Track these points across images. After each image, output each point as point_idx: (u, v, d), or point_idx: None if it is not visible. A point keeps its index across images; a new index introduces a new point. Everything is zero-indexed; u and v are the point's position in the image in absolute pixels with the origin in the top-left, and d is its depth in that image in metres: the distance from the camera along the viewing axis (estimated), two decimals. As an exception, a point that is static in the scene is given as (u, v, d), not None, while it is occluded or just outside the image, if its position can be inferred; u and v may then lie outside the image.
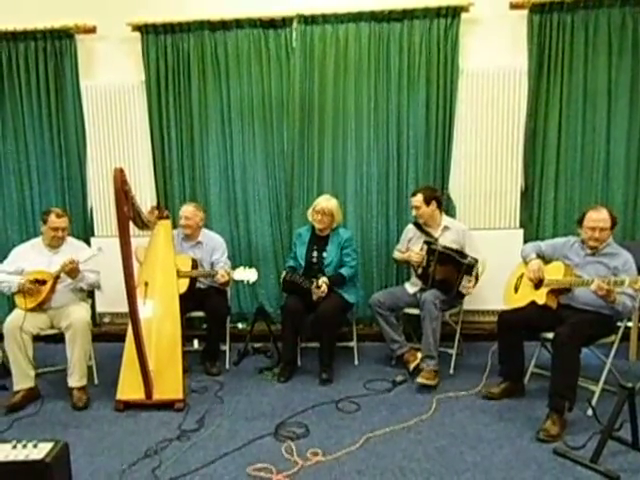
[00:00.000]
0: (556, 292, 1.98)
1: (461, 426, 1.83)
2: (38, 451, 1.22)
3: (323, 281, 2.23)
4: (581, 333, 1.81)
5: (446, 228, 2.34)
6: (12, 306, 2.23)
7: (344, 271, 2.33)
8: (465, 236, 2.31)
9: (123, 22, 2.68)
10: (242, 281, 2.30)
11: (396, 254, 2.49)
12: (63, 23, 2.70)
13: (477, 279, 2.21)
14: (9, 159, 2.87)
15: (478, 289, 2.32)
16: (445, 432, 1.79)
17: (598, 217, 1.91)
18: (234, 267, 2.37)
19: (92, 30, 2.74)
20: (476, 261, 2.17)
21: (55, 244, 2.20)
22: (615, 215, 1.96)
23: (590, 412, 1.80)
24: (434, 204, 2.31)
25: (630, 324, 2.33)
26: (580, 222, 1.99)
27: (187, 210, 2.41)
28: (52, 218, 2.16)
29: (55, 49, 2.75)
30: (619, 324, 1.94)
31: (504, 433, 1.77)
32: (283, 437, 1.76)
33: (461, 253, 2.19)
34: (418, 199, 2.30)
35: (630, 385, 1.53)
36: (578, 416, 1.83)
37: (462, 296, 2.26)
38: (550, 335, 1.90)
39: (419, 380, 2.09)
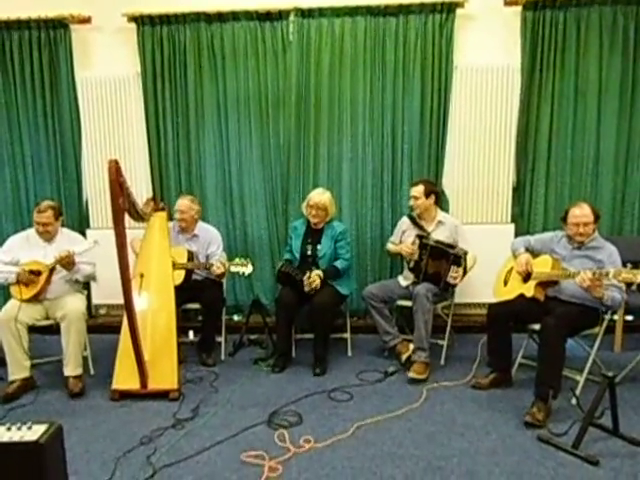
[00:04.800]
0: (544, 285, 2.02)
1: (450, 414, 1.87)
2: (32, 433, 1.22)
3: (316, 274, 2.25)
4: (566, 324, 1.86)
5: (440, 223, 2.37)
6: (7, 297, 2.23)
7: (339, 264, 2.35)
8: (458, 231, 2.34)
9: (118, 13, 2.66)
10: (237, 273, 2.33)
11: (389, 246, 2.52)
12: (58, 13, 2.67)
13: (465, 271, 2.23)
14: (3, 149, 2.85)
15: (469, 282, 2.37)
16: (434, 420, 1.83)
17: (581, 213, 1.96)
18: (230, 259, 2.39)
19: (87, 20, 2.71)
20: (465, 253, 2.19)
21: (44, 237, 2.19)
22: (597, 209, 1.99)
23: (574, 401, 1.86)
24: (432, 198, 2.33)
25: (615, 317, 2.39)
26: (564, 219, 2.03)
27: (182, 204, 2.42)
28: (35, 213, 2.14)
29: (50, 39, 2.72)
30: (604, 317, 1.98)
31: (491, 421, 1.82)
32: (276, 425, 1.80)
33: (451, 245, 2.22)
34: (419, 190, 2.31)
35: (611, 374, 1.58)
36: (562, 405, 1.89)
37: (451, 286, 2.28)
38: (538, 327, 1.96)
39: (410, 375, 2.13)
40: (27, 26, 2.71)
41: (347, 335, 2.54)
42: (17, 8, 2.67)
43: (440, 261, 2.22)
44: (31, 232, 2.25)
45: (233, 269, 2.30)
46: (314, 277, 2.23)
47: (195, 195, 2.66)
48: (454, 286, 2.27)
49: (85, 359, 2.20)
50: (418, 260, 2.28)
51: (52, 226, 2.16)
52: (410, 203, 2.38)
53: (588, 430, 1.60)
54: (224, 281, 2.54)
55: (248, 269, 2.29)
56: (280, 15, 2.64)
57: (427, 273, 2.27)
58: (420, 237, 2.29)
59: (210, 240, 2.47)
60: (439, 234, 2.33)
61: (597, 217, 1.98)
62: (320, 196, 2.36)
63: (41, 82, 2.76)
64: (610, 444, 1.64)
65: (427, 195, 2.32)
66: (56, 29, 2.71)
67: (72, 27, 2.72)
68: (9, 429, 1.24)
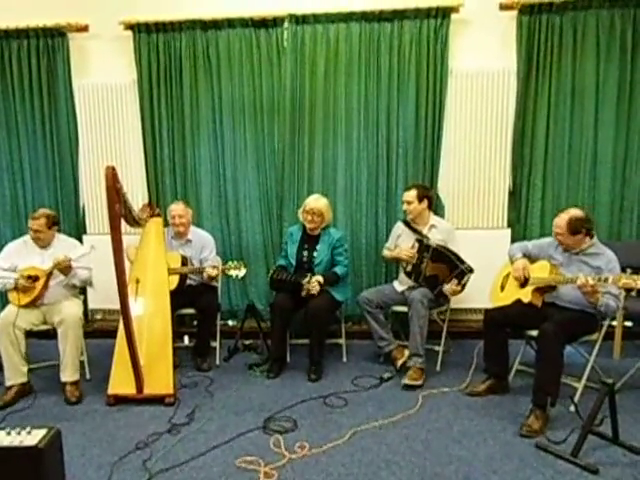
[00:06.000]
0: (541, 290, 2.00)
1: (446, 421, 1.86)
2: (32, 437, 1.24)
3: (317, 279, 2.25)
4: (565, 330, 1.84)
5: (433, 226, 2.37)
6: (4, 303, 2.24)
7: (338, 270, 2.35)
8: (450, 236, 2.34)
9: (115, 21, 2.69)
10: (231, 276, 2.33)
11: (385, 252, 2.51)
12: (56, 21, 2.71)
13: (464, 287, 2.23)
14: (1, 156, 2.88)
15: (466, 288, 2.35)
16: (430, 427, 1.82)
17: (555, 222, 1.95)
18: (224, 263, 2.40)
19: (84, 29, 2.75)
20: (471, 271, 2.18)
21: (38, 244, 2.20)
22: (581, 223, 1.87)
23: (572, 408, 1.84)
24: (425, 202, 2.33)
25: (614, 323, 2.37)
26: None
27: (179, 209, 2.43)
28: (29, 219, 2.16)
29: (47, 47, 2.76)
30: (603, 323, 1.97)
31: (488, 428, 1.80)
32: (271, 431, 1.79)
33: (458, 257, 2.20)
34: (412, 194, 2.32)
35: (611, 381, 1.57)
36: (561, 412, 1.87)
37: (443, 297, 2.27)
38: (535, 333, 1.94)
39: (405, 381, 2.11)
40: (25, 35, 2.74)
41: (342, 341, 2.53)
42: (16, 17, 2.71)
43: (440, 265, 2.21)
44: (29, 238, 2.26)
45: (227, 272, 2.30)
46: (314, 282, 2.23)
47: (189, 200, 2.67)
48: (446, 297, 2.27)
49: (81, 364, 2.20)
50: (417, 263, 2.27)
51: (43, 234, 2.17)
52: (404, 208, 2.38)
53: (587, 438, 1.58)
54: (219, 286, 2.55)
55: (242, 272, 2.30)
56: (275, 22, 2.65)
57: (425, 276, 2.26)
58: (420, 241, 2.28)
59: (203, 244, 2.48)
60: (432, 238, 2.31)
61: (575, 231, 1.87)
62: (316, 202, 2.36)
63: (39, 90, 2.80)
64: (610, 452, 1.62)
65: (420, 199, 2.32)
66: (54, 37, 2.74)
67: (70, 35, 2.75)
68: (9, 434, 1.25)
